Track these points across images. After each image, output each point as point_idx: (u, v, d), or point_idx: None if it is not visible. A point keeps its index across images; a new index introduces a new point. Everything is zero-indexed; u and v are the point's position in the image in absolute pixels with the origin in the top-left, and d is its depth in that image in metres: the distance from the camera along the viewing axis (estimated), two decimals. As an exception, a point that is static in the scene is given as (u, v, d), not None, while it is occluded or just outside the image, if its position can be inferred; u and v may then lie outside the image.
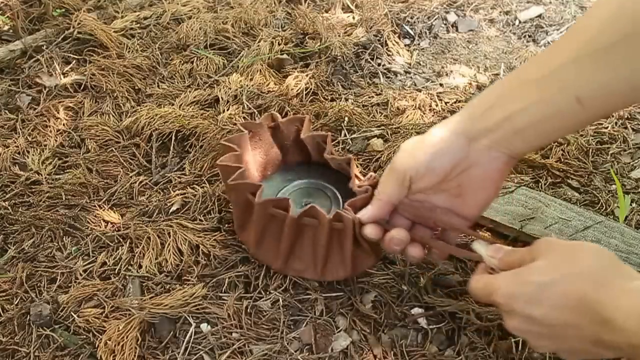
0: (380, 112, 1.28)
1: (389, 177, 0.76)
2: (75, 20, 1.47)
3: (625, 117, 1.25)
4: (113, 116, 1.26)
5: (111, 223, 1.03)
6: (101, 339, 0.84)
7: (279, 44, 1.43)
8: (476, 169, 0.71)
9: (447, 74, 1.41)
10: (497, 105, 0.68)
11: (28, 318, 0.88)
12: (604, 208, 1.04)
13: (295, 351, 0.84)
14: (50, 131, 1.23)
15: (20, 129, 1.23)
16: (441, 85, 1.38)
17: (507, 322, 0.63)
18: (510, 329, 0.63)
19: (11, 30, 1.52)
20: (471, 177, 0.72)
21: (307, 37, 1.47)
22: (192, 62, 1.41)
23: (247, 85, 1.31)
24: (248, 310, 0.88)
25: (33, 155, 1.17)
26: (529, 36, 1.57)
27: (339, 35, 1.46)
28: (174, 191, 1.09)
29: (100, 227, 1.02)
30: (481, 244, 0.73)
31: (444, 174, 0.72)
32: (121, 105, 1.29)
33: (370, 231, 0.79)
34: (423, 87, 1.37)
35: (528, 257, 0.62)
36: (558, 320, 0.55)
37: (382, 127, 1.23)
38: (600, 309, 0.50)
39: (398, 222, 0.80)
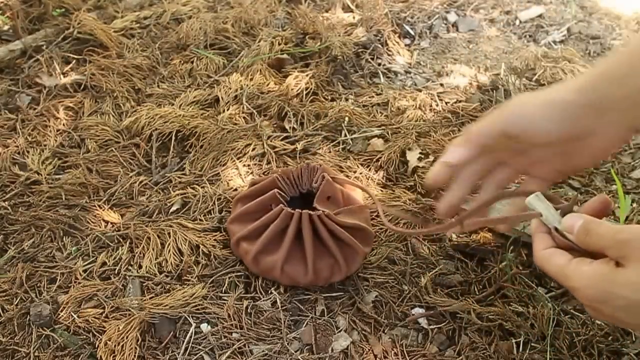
0: (380, 112, 1.28)
1: (493, 121, 0.68)
2: (75, 20, 1.47)
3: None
4: (113, 116, 1.26)
5: (111, 223, 1.03)
6: (101, 339, 0.84)
7: (279, 44, 1.43)
8: (593, 137, 0.65)
9: (447, 74, 1.41)
10: (630, 75, 0.62)
11: (28, 318, 0.88)
12: (605, 208, 1.04)
13: (296, 351, 0.84)
14: (50, 131, 1.23)
15: (20, 129, 1.23)
16: (442, 85, 1.38)
17: (589, 311, 0.60)
18: (592, 315, 0.62)
19: (11, 30, 1.52)
20: (585, 144, 0.65)
21: (307, 37, 1.47)
22: (192, 62, 1.41)
23: (247, 85, 1.31)
24: (248, 310, 0.88)
25: (33, 155, 1.17)
26: (530, 36, 1.57)
27: (339, 35, 1.46)
28: (174, 191, 1.08)
29: (100, 227, 1.02)
30: (540, 200, 0.60)
31: (557, 139, 0.65)
32: (121, 105, 1.29)
33: (437, 169, 0.69)
34: (423, 87, 1.37)
35: (614, 252, 0.55)
36: None
37: (383, 127, 1.23)
38: None
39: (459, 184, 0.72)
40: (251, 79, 1.34)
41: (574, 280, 0.57)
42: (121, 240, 1.00)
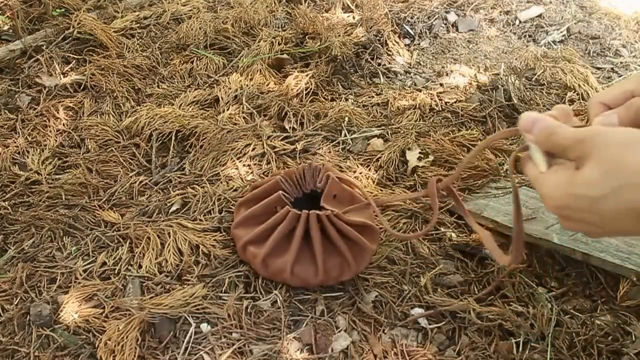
0: (380, 112, 1.28)
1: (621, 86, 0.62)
2: (75, 20, 1.47)
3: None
4: (113, 116, 1.26)
5: (111, 223, 1.03)
6: (101, 339, 0.84)
7: (279, 44, 1.43)
8: None
9: (447, 74, 1.41)
10: None
11: (28, 318, 0.88)
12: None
13: (295, 351, 0.84)
14: (50, 131, 1.23)
15: (20, 129, 1.23)
16: (441, 85, 1.38)
17: (562, 223, 0.61)
18: (566, 228, 0.62)
19: (11, 30, 1.52)
20: None
21: (307, 37, 1.47)
22: (192, 62, 1.41)
23: (247, 85, 1.31)
24: (248, 310, 0.88)
25: (33, 155, 1.17)
26: (529, 36, 1.57)
27: (339, 35, 1.46)
28: (174, 191, 1.08)
29: (100, 227, 1.02)
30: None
31: None
32: (121, 105, 1.29)
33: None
34: (423, 87, 1.37)
35: (573, 152, 0.57)
36: (614, 226, 0.56)
37: (382, 127, 1.23)
38: None
39: None
40: (251, 79, 1.34)
41: (544, 187, 0.59)
42: (121, 240, 1.00)
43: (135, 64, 1.39)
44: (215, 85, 1.34)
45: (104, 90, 1.33)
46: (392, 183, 1.11)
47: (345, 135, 1.21)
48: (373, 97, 1.33)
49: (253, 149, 1.16)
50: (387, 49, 1.48)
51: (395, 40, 1.51)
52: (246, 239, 0.91)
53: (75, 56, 1.43)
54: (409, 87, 1.38)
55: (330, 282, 0.90)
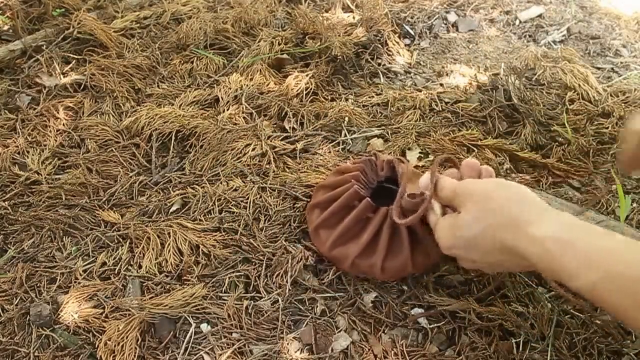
0: (380, 112, 1.28)
1: None
2: (75, 20, 1.47)
3: (626, 117, 1.24)
4: (113, 116, 1.26)
5: (111, 223, 1.03)
6: (101, 339, 0.84)
7: (279, 44, 1.43)
8: None
9: (447, 74, 1.41)
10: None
11: (28, 318, 0.88)
12: (605, 208, 1.04)
13: (295, 351, 0.84)
14: (50, 131, 1.23)
15: (20, 129, 1.23)
16: (441, 85, 1.38)
17: (460, 264, 0.77)
18: (463, 266, 0.79)
19: (11, 30, 1.52)
20: None
21: (307, 37, 1.47)
22: (192, 62, 1.41)
23: (247, 85, 1.31)
24: (248, 310, 0.88)
25: (33, 155, 1.17)
26: (529, 36, 1.57)
27: (339, 35, 1.46)
28: (174, 191, 1.08)
29: (100, 227, 1.02)
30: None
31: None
32: (121, 105, 1.29)
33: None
34: (423, 87, 1.37)
35: (456, 202, 0.72)
36: (493, 259, 0.69)
37: (382, 127, 1.23)
38: (519, 251, 0.64)
39: None
40: (251, 79, 1.34)
41: (437, 231, 0.74)
42: (121, 240, 1.00)
43: (135, 64, 1.39)
44: (215, 85, 1.34)
45: (104, 90, 1.33)
46: (392, 183, 1.11)
47: (345, 135, 1.21)
48: (373, 97, 1.33)
49: (253, 149, 1.16)
50: (387, 49, 1.48)
51: (395, 40, 1.51)
52: (332, 240, 0.90)
53: (75, 56, 1.43)
54: (409, 87, 1.38)
55: (420, 270, 0.90)
